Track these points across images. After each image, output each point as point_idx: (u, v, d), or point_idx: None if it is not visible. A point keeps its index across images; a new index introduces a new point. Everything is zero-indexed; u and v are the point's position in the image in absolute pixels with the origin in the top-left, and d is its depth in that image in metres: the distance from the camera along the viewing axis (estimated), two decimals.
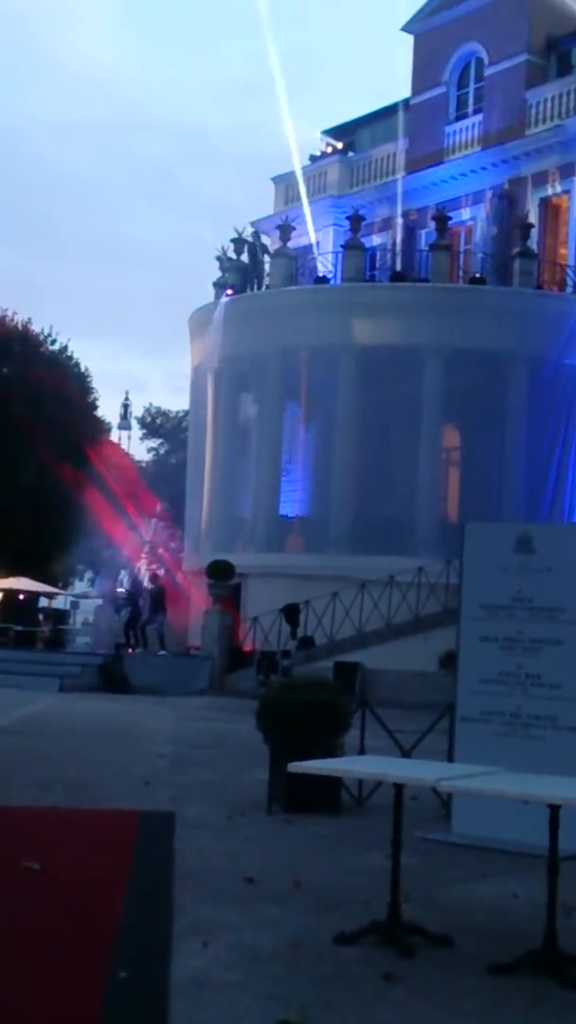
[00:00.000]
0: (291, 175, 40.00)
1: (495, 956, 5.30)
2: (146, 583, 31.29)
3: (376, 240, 35.22)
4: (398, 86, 37.73)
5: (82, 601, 44.76)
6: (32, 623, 39.56)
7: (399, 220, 34.27)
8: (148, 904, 6.17)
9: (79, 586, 46.83)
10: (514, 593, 8.35)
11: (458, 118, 35.51)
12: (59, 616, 42.38)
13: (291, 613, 26.88)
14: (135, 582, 30.64)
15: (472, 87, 35.29)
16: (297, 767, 6.21)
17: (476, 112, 34.89)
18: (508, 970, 5.14)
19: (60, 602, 45.65)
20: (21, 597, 42.08)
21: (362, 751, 9.92)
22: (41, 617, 41.70)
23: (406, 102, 36.56)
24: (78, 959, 5.09)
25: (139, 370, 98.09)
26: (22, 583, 41.90)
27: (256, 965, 5.12)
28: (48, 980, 4.74)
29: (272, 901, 6.31)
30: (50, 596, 44.09)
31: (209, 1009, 4.49)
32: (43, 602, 43.72)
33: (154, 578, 30.45)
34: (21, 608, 41.19)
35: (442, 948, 5.52)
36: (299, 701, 9.70)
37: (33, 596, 42.67)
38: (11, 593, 42.20)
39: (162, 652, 29.17)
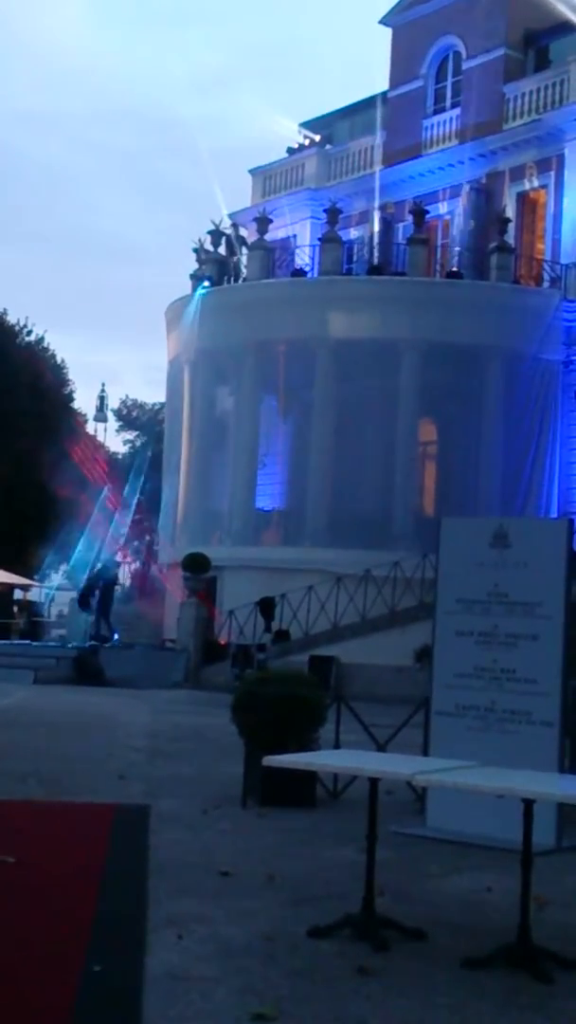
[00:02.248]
0: (268, 167, 39.99)
1: (469, 950, 5.32)
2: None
3: (353, 233, 35.21)
4: (376, 79, 37.77)
5: (57, 593, 44.55)
6: (6, 615, 39.39)
7: (376, 213, 34.26)
8: (122, 897, 6.16)
9: (54, 578, 46.60)
10: (490, 587, 8.37)
11: (436, 112, 35.53)
12: (34, 608, 42.21)
13: (266, 607, 26.89)
14: (92, 576, 30.21)
15: (450, 81, 35.30)
16: (272, 761, 6.21)
17: (454, 106, 34.91)
18: (482, 964, 5.15)
19: (35, 594, 45.45)
20: None
21: (337, 745, 9.93)
22: (15, 609, 41.51)
23: (384, 95, 36.54)
24: (52, 952, 5.08)
25: (114, 361, 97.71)
26: None
27: (230, 958, 5.12)
28: (22, 973, 4.72)
29: (247, 895, 6.32)
30: (25, 588, 43.90)
31: (183, 1002, 4.48)
32: (18, 594, 43.53)
33: (106, 572, 29.87)
34: None
35: (416, 942, 5.53)
36: (274, 695, 9.70)
37: (7, 588, 42.48)
38: None
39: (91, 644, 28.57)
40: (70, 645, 28.77)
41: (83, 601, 29.55)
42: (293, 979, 4.87)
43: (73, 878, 6.57)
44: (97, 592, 29.11)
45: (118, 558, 37.48)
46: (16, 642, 32.10)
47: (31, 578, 44.81)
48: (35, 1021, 4.20)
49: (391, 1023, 4.35)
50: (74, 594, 33.14)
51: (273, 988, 4.71)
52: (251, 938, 5.46)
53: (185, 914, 5.79)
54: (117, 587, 31.49)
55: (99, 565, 30.76)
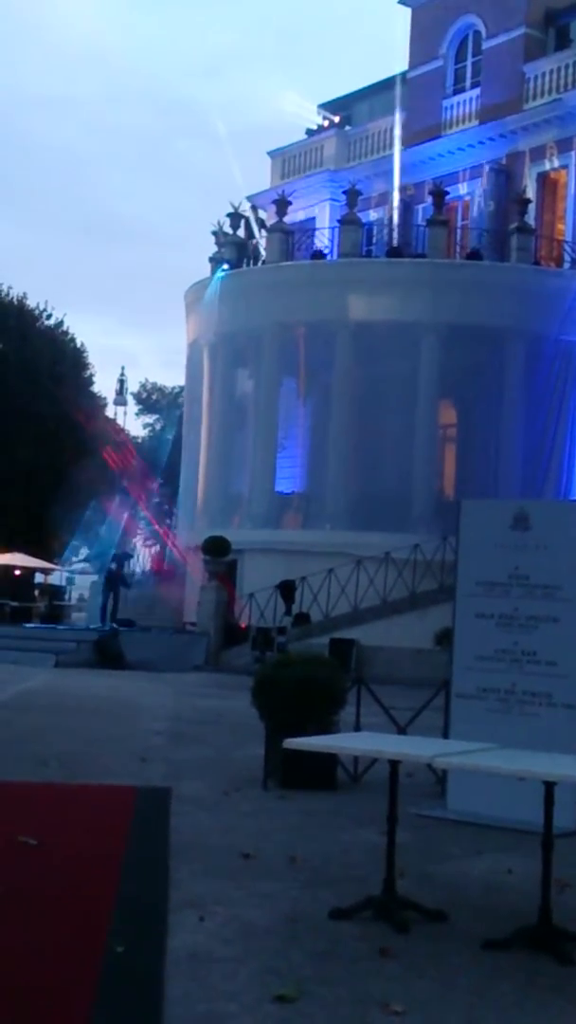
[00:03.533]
0: (288, 149, 39.86)
1: (490, 932, 5.32)
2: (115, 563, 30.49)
3: (373, 215, 35.08)
4: (395, 59, 37.57)
5: (78, 577, 44.75)
6: (28, 599, 39.57)
7: (396, 195, 34.11)
8: (144, 879, 6.19)
9: (75, 562, 46.79)
10: (510, 570, 8.35)
11: (455, 92, 35.32)
12: (55, 592, 42.39)
13: (287, 589, 26.90)
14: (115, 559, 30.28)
15: (470, 60, 35.09)
16: (293, 743, 6.22)
17: (474, 86, 34.70)
18: (503, 946, 5.16)
19: (56, 578, 45.64)
20: (17, 573, 42.06)
21: (358, 728, 9.94)
22: (37, 593, 41.70)
23: (403, 75, 36.33)
24: (75, 934, 5.11)
25: (132, 344, 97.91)
26: (17, 559, 41.88)
27: (252, 940, 5.15)
28: (45, 955, 4.76)
29: (268, 876, 6.34)
30: (46, 572, 44.08)
31: (205, 983, 4.51)
32: (39, 578, 43.72)
33: (116, 559, 29.86)
34: (17, 584, 41.18)
35: (437, 924, 5.54)
36: (295, 678, 9.71)
37: (29, 572, 42.66)
38: (7, 569, 42.17)
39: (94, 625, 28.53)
40: (91, 627, 28.82)
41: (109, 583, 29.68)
42: (315, 960, 4.89)
43: (95, 860, 6.61)
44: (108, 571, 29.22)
45: (135, 541, 37.54)
46: (37, 626, 32.23)
47: (52, 562, 44.99)
48: (59, 1001, 4.23)
49: (412, 1004, 4.37)
50: (95, 578, 33.24)
51: (295, 969, 4.73)
52: (273, 920, 5.48)
53: (207, 896, 5.81)
54: (128, 568, 31.41)
55: (114, 550, 30.78)
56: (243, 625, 27.70)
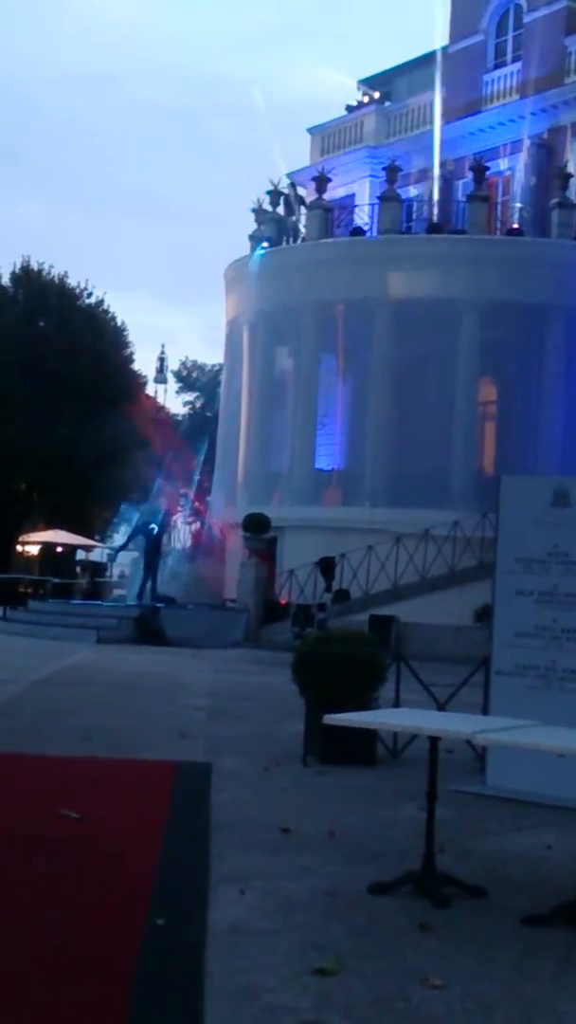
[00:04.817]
0: (327, 125, 39.65)
1: (529, 907, 5.33)
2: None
3: (413, 191, 34.84)
4: (436, 34, 37.17)
5: (119, 554, 44.99)
6: (69, 576, 39.85)
7: (436, 171, 33.85)
8: (185, 853, 6.24)
9: (116, 539, 47.02)
10: (550, 547, 8.31)
11: (496, 66, 34.97)
12: (96, 569, 42.64)
13: (327, 566, 26.92)
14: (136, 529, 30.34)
15: (511, 35, 34.71)
16: (333, 719, 6.24)
17: (515, 60, 34.33)
18: (542, 921, 5.17)
19: (97, 555, 45.91)
20: (59, 550, 42.38)
21: (397, 704, 9.96)
22: (78, 570, 41.98)
23: (444, 50, 35.98)
24: (116, 907, 5.17)
25: (172, 323, 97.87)
26: (59, 536, 42.19)
27: (292, 914, 5.18)
28: (86, 927, 4.81)
29: (307, 851, 6.37)
30: (87, 549, 44.36)
31: (246, 956, 4.54)
32: (80, 555, 44.00)
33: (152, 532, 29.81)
34: (59, 561, 41.50)
35: (476, 899, 5.56)
36: (334, 654, 9.73)
37: (70, 549, 42.96)
38: (49, 546, 42.50)
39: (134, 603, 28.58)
40: (133, 603, 28.92)
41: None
42: (354, 934, 4.92)
43: (136, 834, 6.67)
44: (144, 548, 29.25)
45: (176, 519, 37.62)
46: (79, 602, 32.46)
47: (93, 539, 45.26)
48: (100, 974, 4.28)
49: (452, 979, 4.38)
50: (135, 554, 33.38)
51: (335, 943, 4.76)
52: (312, 894, 5.51)
53: (247, 870, 5.85)
54: (165, 540, 31.42)
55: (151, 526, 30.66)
56: (283, 602, 27.76)
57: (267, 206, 33.82)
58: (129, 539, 30.84)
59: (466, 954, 4.74)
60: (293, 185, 35.90)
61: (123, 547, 33.89)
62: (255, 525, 27.97)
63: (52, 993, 4.02)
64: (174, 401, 57.16)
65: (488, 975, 4.49)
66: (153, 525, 29.22)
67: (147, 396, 49.06)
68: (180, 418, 55.00)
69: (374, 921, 5.13)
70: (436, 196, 33.65)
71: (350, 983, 4.29)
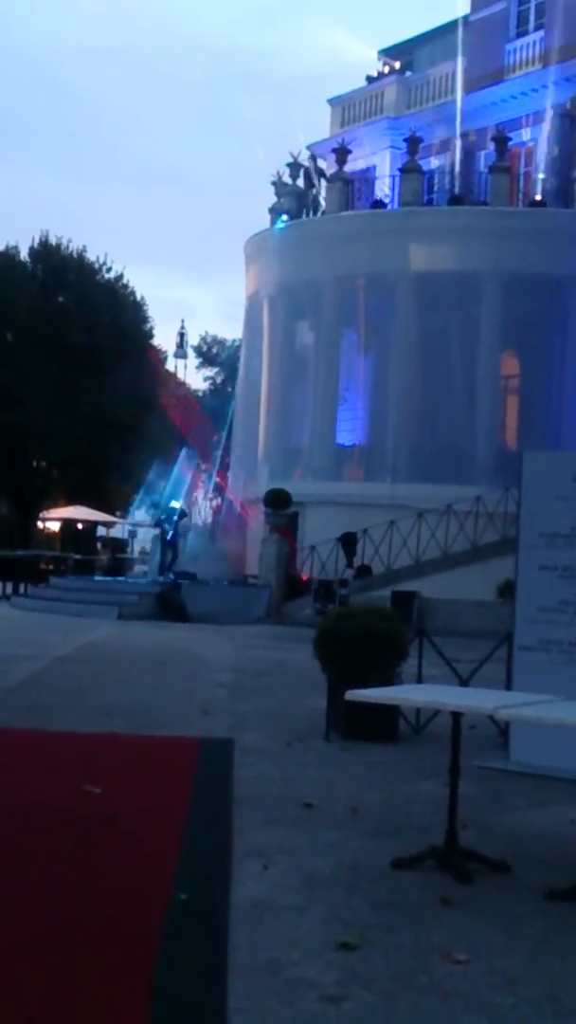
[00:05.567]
0: (347, 96, 39.33)
1: (553, 882, 5.32)
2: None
3: (434, 162, 34.58)
4: (457, 3, 36.80)
5: (140, 530, 45.09)
6: (90, 552, 39.96)
7: (458, 142, 33.58)
8: (208, 828, 6.25)
9: (137, 515, 47.11)
10: (573, 522, 8.26)
11: (519, 35, 34.56)
12: (117, 545, 42.76)
13: (348, 542, 26.89)
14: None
15: (533, 2, 34.28)
16: (355, 695, 6.23)
17: (537, 28, 33.91)
18: (566, 896, 5.15)
19: (118, 531, 46.02)
20: (80, 526, 42.51)
21: (420, 680, 9.95)
22: (99, 546, 42.10)
23: (465, 19, 35.58)
24: (140, 881, 5.18)
25: (192, 297, 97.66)
26: (80, 512, 42.32)
27: (315, 888, 5.18)
28: (110, 902, 4.83)
29: (330, 826, 6.38)
30: (108, 525, 44.47)
31: (269, 931, 4.55)
32: (101, 531, 44.12)
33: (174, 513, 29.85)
34: (80, 537, 41.64)
35: (500, 874, 5.55)
36: (357, 630, 9.72)
37: (91, 525, 43.08)
38: (69, 522, 42.63)
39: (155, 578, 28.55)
40: (158, 579, 28.97)
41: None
42: (377, 909, 4.92)
43: (159, 809, 6.68)
44: (168, 530, 29.34)
45: (196, 495, 37.65)
46: (100, 578, 32.55)
47: (114, 515, 45.35)
48: (124, 947, 4.30)
49: (475, 953, 4.38)
50: (156, 531, 33.42)
51: (358, 917, 4.76)
52: (335, 869, 5.52)
53: (270, 845, 5.86)
54: (186, 521, 31.52)
55: (164, 514, 30.74)
56: (304, 578, 27.75)
57: (287, 179, 33.64)
58: (159, 537, 30.86)
59: (489, 929, 4.73)
60: (313, 157, 35.71)
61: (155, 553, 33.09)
62: (276, 501, 27.95)
63: (76, 968, 4.03)
64: (194, 377, 57.14)
65: (512, 950, 4.48)
66: (170, 514, 29.27)
67: (167, 372, 49.04)
68: (201, 394, 54.98)
69: (397, 896, 5.13)
70: (458, 167, 33.40)
71: (373, 958, 4.29)
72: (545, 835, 6.51)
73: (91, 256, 47.14)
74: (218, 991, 3.86)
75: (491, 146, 31.19)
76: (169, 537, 29.80)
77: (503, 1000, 3.94)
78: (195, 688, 12.79)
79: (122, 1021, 3.58)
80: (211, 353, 58.95)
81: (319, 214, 33.21)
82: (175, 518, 29.87)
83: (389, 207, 31.84)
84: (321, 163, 35.71)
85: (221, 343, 58.87)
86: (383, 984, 4.02)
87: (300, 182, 33.84)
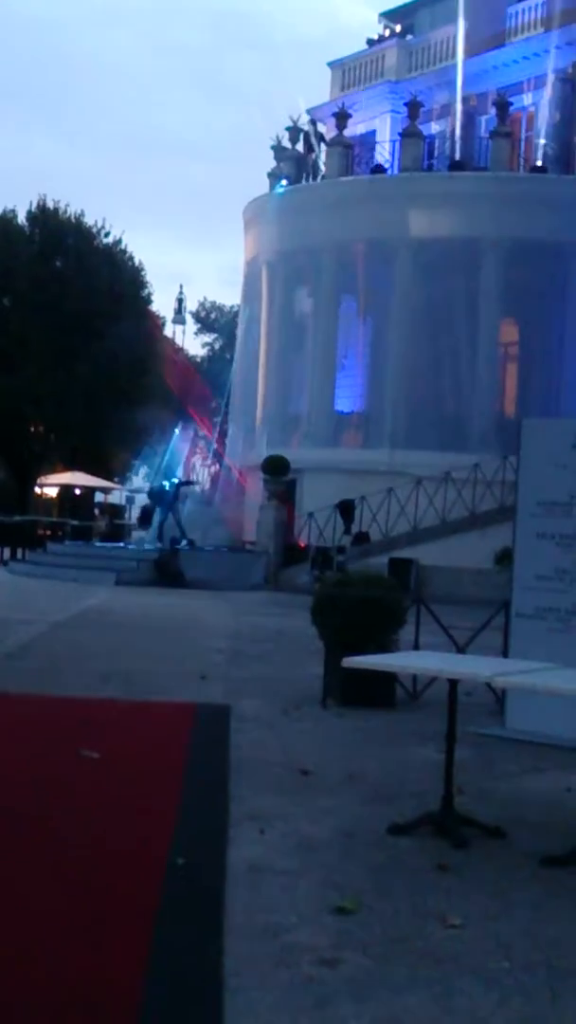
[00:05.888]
0: (348, 60, 38.99)
1: (548, 848, 5.35)
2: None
3: (435, 127, 34.35)
4: None
5: (138, 496, 45.09)
6: (88, 518, 39.95)
7: (458, 106, 33.33)
8: (205, 793, 6.28)
9: (135, 481, 47.10)
10: (572, 490, 8.26)
11: None
12: (115, 511, 42.73)
13: (346, 509, 26.91)
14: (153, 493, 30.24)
15: None
16: (352, 662, 6.24)
17: None
18: (561, 862, 5.18)
19: (116, 497, 46.00)
20: (77, 492, 42.49)
21: (417, 647, 9.96)
22: (97, 512, 42.08)
23: None
24: (136, 846, 5.20)
25: (190, 262, 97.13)
26: (78, 478, 42.28)
27: (311, 853, 5.21)
28: (107, 866, 4.85)
29: (327, 792, 6.40)
30: (106, 491, 44.45)
31: (265, 895, 4.58)
32: (99, 497, 44.10)
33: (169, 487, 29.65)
34: (77, 503, 41.63)
35: (495, 840, 5.58)
36: (354, 597, 9.73)
37: (89, 491, 43.06)
38: (67, 488, 42.61)
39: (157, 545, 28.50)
40: (157, 545, 28.92)
41: (144, 518, 29.71)
42: (373, 874, 4.95)
43: (156, 774, 6.71)
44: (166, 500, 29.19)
45: (195, 461, 37.60)
46: (99, 544, 32.56)
47: (112, 481, 45.31)
48: (121, 910, 4.32)
49: (470, 918, 4.41)
50: (148, 501, 33.37)
51: (354, 882, 4.79)
52: (332, 834, 5.54)
53: (266, 810, 5.88)
54: (187, 488, 31.37)
55: (159, 484, 30.51)
56: (302, 544, 27.78)
57: (286, 143, 33.41)
58: (155, 509, 30.66)
59: (484, 894, 4.76)
60: (313, 122, 35.45)
61: (151, 517, 32.75)
62: (274, 467, 27.93)
63: (75, 931, 4.05)
64: (193, 343, 56.98)
65: (506, 915, 4.51)
66: (167, 484, 29.11)
67: (166, 337, 48.85)
68: (199, 360, 54.81)
69: (393, 861, 5.16)
70: (458, 132, 33.17)
71: (369, 922, 4.31)
72: (540, 801, 6.54)
73: (89, 220, 46.87)
74: (215, 954, 3.88)
75: (492, 111, 30.99)
76: (167, 505, 29.67)
77: (497, 964, 3.96)
78: (192, 654, 12.81)
79: (119, 984, 3.61)
80: (210, 319, 58.77)
81: (319, 179, 33.00)
82: (174, 486, 29.60)
83: (389, 172, 31.64)
84: (321, 127, 35.45)
85: (220, 309, 58.68)
86: (378, 948, 4.05)
87: (300, 146, 33.61)
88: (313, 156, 33.89)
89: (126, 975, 3.68)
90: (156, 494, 29.83)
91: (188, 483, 31.30)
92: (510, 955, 4.07)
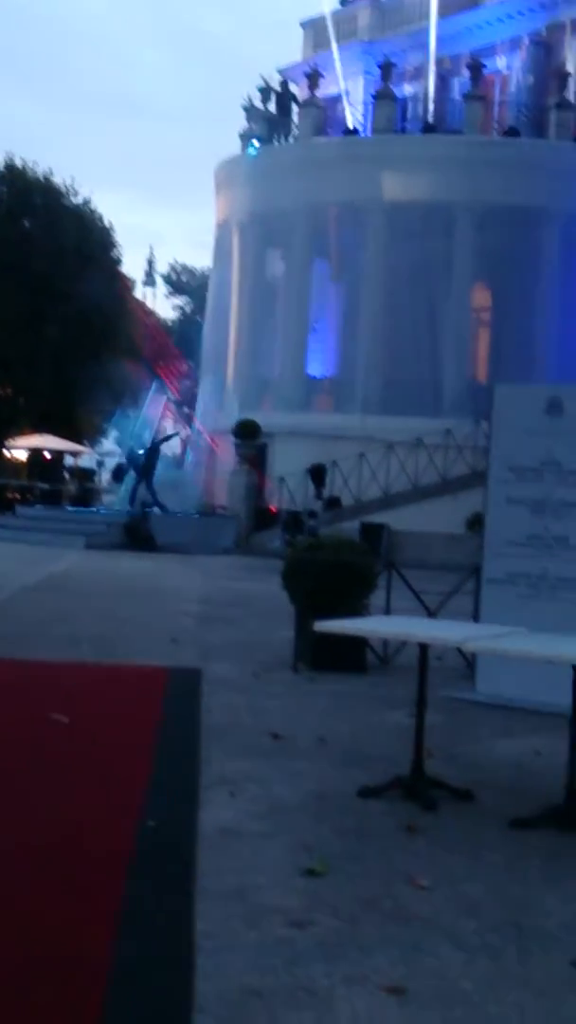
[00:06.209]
0: (321, 19, 38.61)
1: (517, 811, 5.39)
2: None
3: (408, 89, 34.16)
4: None
5: (107, 459, 44.89)
6: (58, 481, 39.76)
7: (432, 68, 33.12)
8: (176, 757, 6.29)
9: (105, 445, 46.86)
10: (543, 456, 8.28)
11: None
12: (85, 474, 42.52)
13: (317, 473, 26.92)
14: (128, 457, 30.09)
15: None
16: (323, 626, 6.25)
17: None
18: (529, 824, 5.23)
19: (86, 460, 45.77)
20: (47, 455, 42.23)
21: (388, 611, 10.00)
22: (67, 475, 41.89)
23: None
24: (107, 809, 5.21)
25: (160, 223, 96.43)
26: (48, 441, 42.00)
27: (282, 816, 5.23)
28: (79, 829, 4.86)
29: (297, 756, 6.43)
30: (76, 454, 44.21)
31: (236, 857, 4.59)
32: (69, 460, 43.87)
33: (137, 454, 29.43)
34: (47, 466, 41.38)
35: (464, 802, 5.62)
36: (325, 561, 9.73)
37: (59, 454, 42.81)
38: (37, 451, 42.34)
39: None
40: (128, 509, 28.82)
41: (117, 475, 29.62)
42: (343, 836, 4.97)
43: (127, 738, 6.71)
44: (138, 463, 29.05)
45: (165, 424, 37.43)
46: (68, 508, 32.43)
47: (82, 444, 45.04)
48: (93, 872, 4.33)
49: (440, 879, 4.44)
50: (124, 460, 33.25)
51: (324, 845, 4.82)
52: (302, 797, 5.57)
53: (237, 774, 5.90)
54: (167, 443, 31.18)
55: (135, 448, 30.32)
56: (273, 509, 27.78)
57: (258, 104, 33.13)
58: (126, 472, 30.49)
59: (453, 855, 4.80)
60: (284, 83, 35.14)
61: (123, 478, 32.46)
62: (246, 431, 27.88)
63: (44, 893, 4.06)
64: (164, 305, 56.64)
65: (475, 876, 4.55)
66: (140, 450, 28.93)
67: (136, 299, 48.48)
68: (170, 323, 54.48)
69: (363, 824, 5.19)
70: (432, 95, 32.99)
71: (339, 884, 4.34)
72: (510, 765, 6.59)
73: (58, 180, 46.34)
74: (186, 915, 3.90)
75: (466, 73, 30.82)
76: (140, 469, 29.52)
77: (465, 924, 4.00)
78: (163, 618, 12.81)
79: (91, 944, 3.62)
80: (180, 282, 58.37)
81: (291, 140, 32.77)
82: (147, 451, 29.26)
83: (362, 134, 31.45)
84: (292, 88, 35.15)
85: (191, 271, 58.29)
86: (348, 909, 4.07)
87: (272, 107, 33.34)
88: (286, 117, 33.54)
89: (97, 937, 3.69)
90: (131, 458, 29.72)
91: (168, 438, 31.10)
92: (478, 915, 4.10)
